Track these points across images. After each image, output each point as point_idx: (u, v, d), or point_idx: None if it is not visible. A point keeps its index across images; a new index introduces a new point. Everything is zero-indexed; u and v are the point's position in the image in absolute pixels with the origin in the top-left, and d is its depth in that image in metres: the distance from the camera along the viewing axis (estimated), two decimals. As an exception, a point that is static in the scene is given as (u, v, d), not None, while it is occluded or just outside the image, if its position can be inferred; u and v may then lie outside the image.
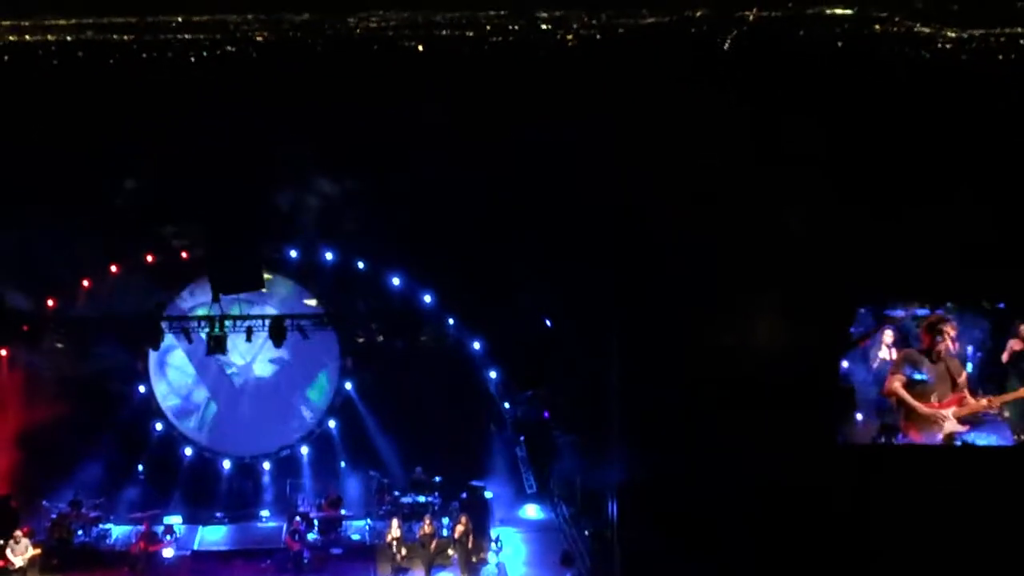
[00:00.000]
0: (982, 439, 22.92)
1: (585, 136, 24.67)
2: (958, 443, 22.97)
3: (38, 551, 22.44)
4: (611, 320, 23.37)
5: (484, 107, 25.21)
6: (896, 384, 22.81)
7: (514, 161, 24.80)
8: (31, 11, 27.37)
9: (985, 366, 22.98)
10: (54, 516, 23.95)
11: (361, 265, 25.47)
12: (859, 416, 23.11)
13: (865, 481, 22.92)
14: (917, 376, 23.14)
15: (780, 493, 22.81)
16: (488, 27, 27.88)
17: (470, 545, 22.90)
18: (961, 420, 22.99)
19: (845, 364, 22.92)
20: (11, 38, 27.80)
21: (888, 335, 23.08)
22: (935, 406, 22.90)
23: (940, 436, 23.06)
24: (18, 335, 24.52)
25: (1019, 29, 26.79)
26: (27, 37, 27.85)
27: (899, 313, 23.08)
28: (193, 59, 27.77)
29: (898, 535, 22.07)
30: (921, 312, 23.06)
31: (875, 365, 23.04)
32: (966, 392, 22.91)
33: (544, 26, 28.04)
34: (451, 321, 25.49)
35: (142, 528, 24.06)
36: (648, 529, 22.46)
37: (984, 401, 22.84)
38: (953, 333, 22.99)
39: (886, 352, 23.10)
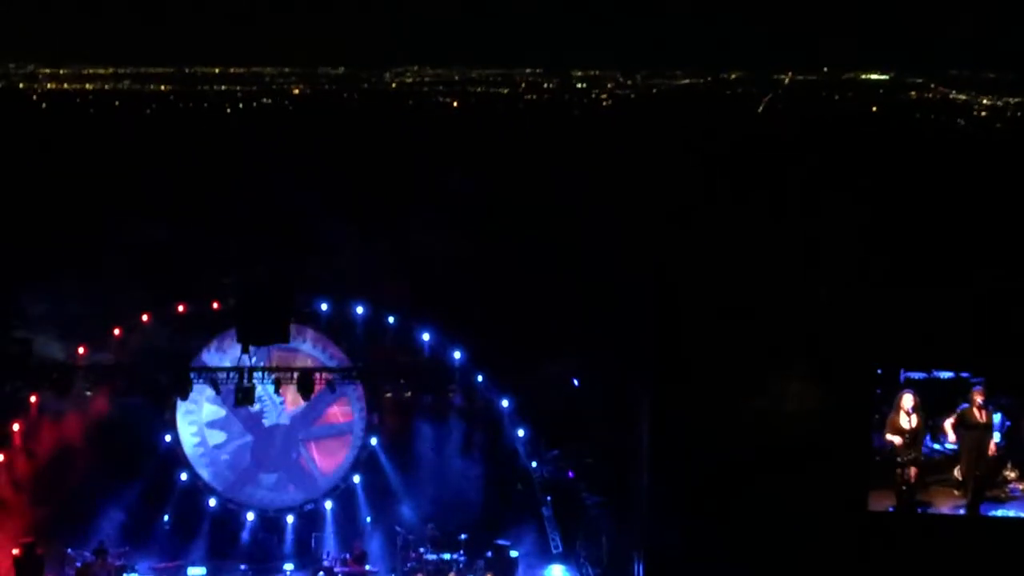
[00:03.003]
0: (1010, 515, 22.75)
1: (619, 196, 24.73)
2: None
3: (65, 602, 22.55)
4: (641, 382, 23.35)
5: (518, 165, 25.29)
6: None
7: (547, 220, 24.83)
8: (69, 60, 27.60)
9: (1015, 435, 22.86)
10: (79, 564, 23.86)
11: (391, 319, 25.56)
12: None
13: (891, 550, 22.78)
14: (943, 445, 22.97)
15: (807, 558, 22.69)
16: (523, 84, 27.97)
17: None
18: (988, 494, 22.83)
19: (869, 429, 22.92)
20: (49, 86, 28.01)
21: (908, 399, 22.87)
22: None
23: (963, 507, 22.92)
24: (48, 382, 24.59)
25: (1054, 98, 26.80)
26: (65, 85, 28.07)
27: (920, 376, 22.94)
28: (229, 110, 27.90)
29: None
30: (945, 375, 22.90)
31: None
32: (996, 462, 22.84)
33: (579, 85, 28.11)
34: (480, 378, 25.46)
35: (166, 579, 24.19)
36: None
37: (1013, 473, 22.71)
38: (980, 399, 22.85)
39: (905, 418, 22.91)
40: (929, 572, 22.34)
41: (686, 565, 22.81)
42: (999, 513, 22.80)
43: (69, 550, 24.24)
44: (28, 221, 25.36)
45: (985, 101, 27.62)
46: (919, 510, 23.02)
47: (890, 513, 23.17)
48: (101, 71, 27.99)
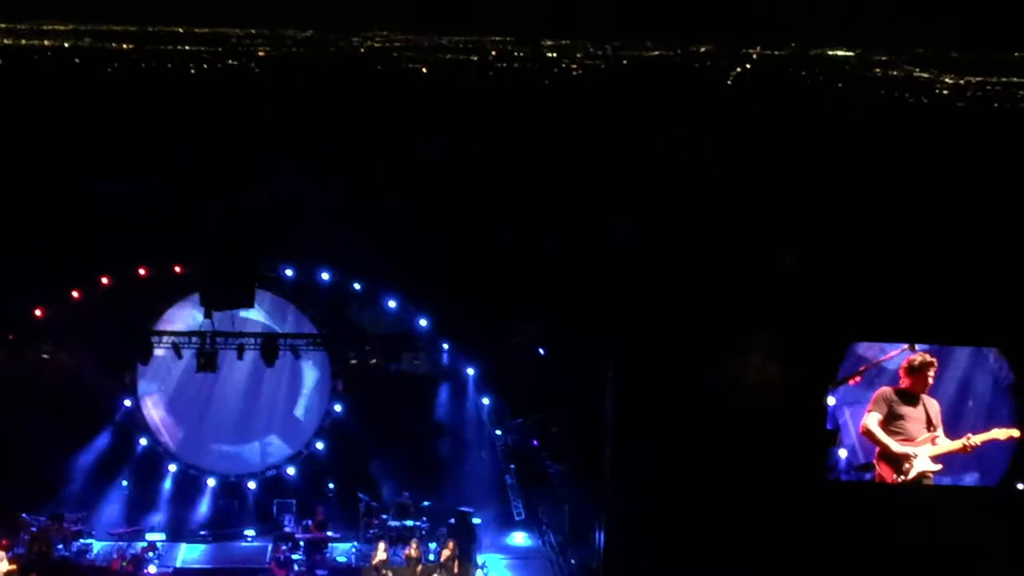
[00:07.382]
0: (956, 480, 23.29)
1: (587, 165, 24.78)
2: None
3: (14, 567, 22.13)
4: (605, 352, 23.50)
5: (485, 133, 25.22)
6: (871, 422, 23.06)
7: (514, 187, 24.83)
8: (28, 15, 26.88)
9: (961, 407, 23.37)
10: (34, 529, 23.50)
11: (357, 286, 25.41)
12: (843, 454, 23.52)
13: (844, 517, 23.24)
14: (894, 415, 23.43)
15: (766, 528, 23.06)
16: (493, 53, 27.80)
17: (456, 570, 22.91)
18: (934, 460, 23.38)
19: (832, 402, 23.34)
20: (6, 42, 27.26)
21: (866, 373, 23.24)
22: (910, 444, 23.30)
23: (912, 475, 23.45)
24: (4, 343, 24.14)
25: (1015, 79, 27.24)
26: (23, 41, 27.33)
27: (873, 351, 23.33)
28: (193, 71, 27.38)
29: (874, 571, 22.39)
30: (891, 348, 23.29)
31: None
32: (940, 432, 23.36)
33: (549, 54, 28.03)
34: (445, 346, 25.42)
35: (123, 544, 23.86)
36: (634, 560, 22.60)
37: (958, 443, 23.25)
38: (933, 372, 23.31)
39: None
40: (875, 536, 22.90)
41: (647, 533, 23.06)
42: (946, 479, 23.35)
43: (24, 515, 23.82)
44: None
45: (948, 80, 28.02)
46: (871, 476, 23.52)
47: (843, 482, 23.61)
48: (60, 27, 27.28)
